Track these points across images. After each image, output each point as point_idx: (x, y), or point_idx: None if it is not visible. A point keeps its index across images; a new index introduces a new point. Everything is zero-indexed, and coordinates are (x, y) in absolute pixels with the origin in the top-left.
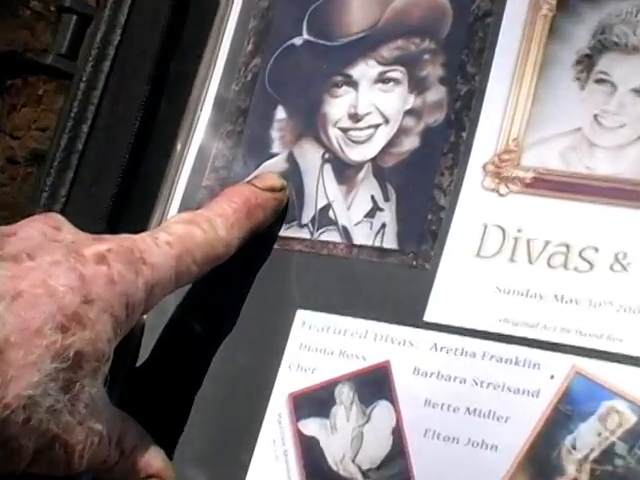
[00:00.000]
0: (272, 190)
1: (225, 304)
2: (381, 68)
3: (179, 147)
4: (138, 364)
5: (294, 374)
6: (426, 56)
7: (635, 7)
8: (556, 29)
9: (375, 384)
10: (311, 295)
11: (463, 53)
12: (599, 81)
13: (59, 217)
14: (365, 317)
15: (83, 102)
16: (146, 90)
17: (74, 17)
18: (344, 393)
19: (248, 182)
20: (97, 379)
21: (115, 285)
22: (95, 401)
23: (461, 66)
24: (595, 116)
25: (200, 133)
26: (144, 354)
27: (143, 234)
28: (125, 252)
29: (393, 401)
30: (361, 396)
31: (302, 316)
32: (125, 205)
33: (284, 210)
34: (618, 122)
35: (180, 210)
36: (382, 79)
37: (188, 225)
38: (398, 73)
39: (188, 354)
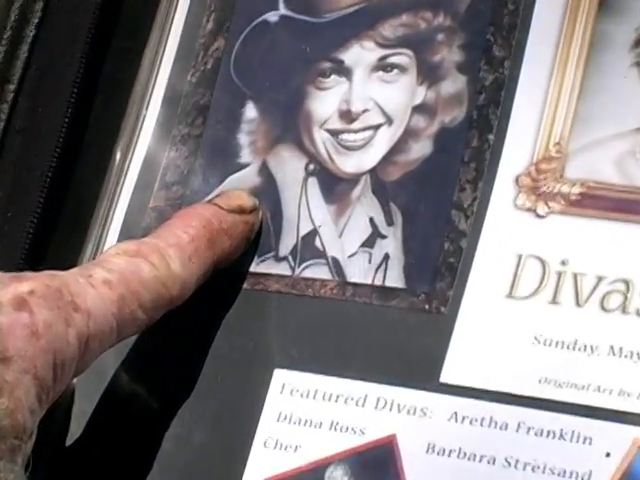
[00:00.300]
0: (241, 212)
1: (181, 362)
2: (381, 51)
3: (118, 156)
4: (67, 442)
5: (271, 453)
6: (440, 36)
7: None
8: (608, 0)
9: (377, 465)
10: (293, 350)
11: (488, 32)
12: None
13: None
14: (363, 378)
15: None
16: (75, 81)
17: None
18: (337, 478)
19: (209, 201)
20: (16, 461)
21: (39, 338)
22: None
23: (486, 49)
24: None
25: (146, 138)
26: (75, 429)
27: (74, 270)
28: (52, 295)
29: None
30: None
31: (281, 377)
32: (49, 234)
33: (257, 238)
34: None
35: (120, 239)
36: (383, 66)
37: (132, 258)
38: (404, 57)
39: (131, 429)
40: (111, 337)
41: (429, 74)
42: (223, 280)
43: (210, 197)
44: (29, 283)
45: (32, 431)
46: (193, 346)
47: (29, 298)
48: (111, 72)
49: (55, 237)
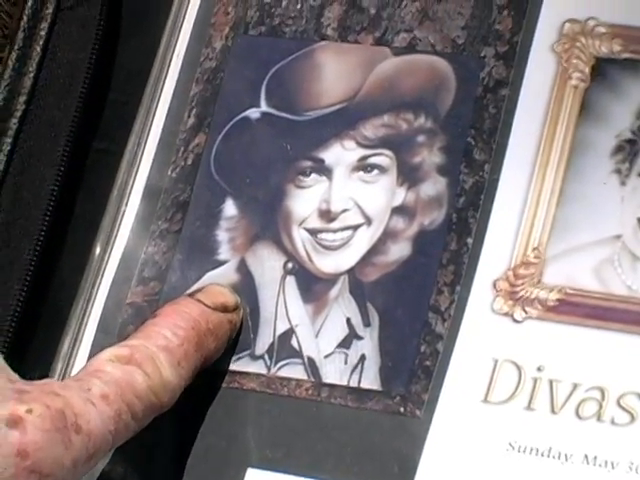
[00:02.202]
0: (224, 310)
1: (153, 462)
2: (362, 152)
3: (98, 251)
4: None
5: None
6: (421, 137)
7: None
8: (589, 105)
9: None
10: (267, 449)
11: (469, 134)
12: None
13: None
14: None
15: None
16: (57, 176)
17: None
18: None
19: (192, 296)
20: None
21: (26, 459)
22: None
23: (466, 151)
24: None
25: (125, 233)
26: None
27: (72, 384)
28: (53, 417)
29: None
30: None
31: (254, 477)
32: (29, 328)
33: (237, 338)
34: None
35: (98, 335)
36: (363, 166)
37: (126, 367)
38: (384, 158)
39: None
40: (106, 452)
41: (409, 175)
42: (199, 378)
43: (190, 291)
44: (31, 403)
45: None
46: (167, 444)
47: (25, 417)
48: (91, 171)
49: (34, 331)
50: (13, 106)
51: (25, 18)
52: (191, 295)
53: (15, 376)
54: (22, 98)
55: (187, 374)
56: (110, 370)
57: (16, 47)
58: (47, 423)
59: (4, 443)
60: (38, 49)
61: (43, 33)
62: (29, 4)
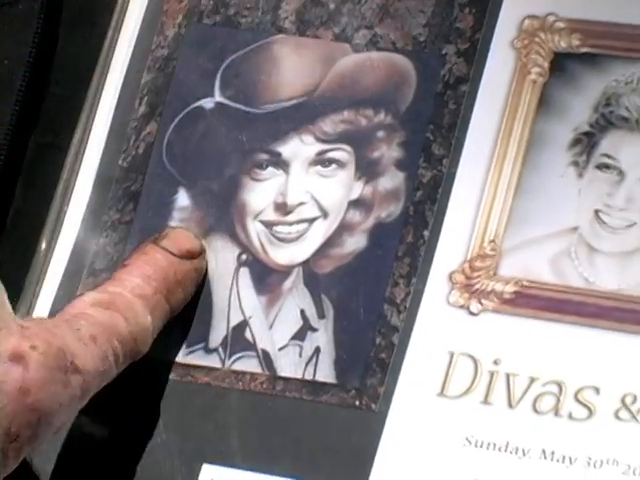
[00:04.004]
0: (191, 257)
1: (105, 456)
2: (320, 146)
3: (44, 245)
4: None
5: None
6: (380, 133)
7: None
8: (548, 99)
9: None
10: (221, 445)
11: (428, 130)
12: (602, 166)
13: None
14: (292, 475)
15: None
16: None
17: None
18: None
19: (156, 243)
20: None
21: (27, 395)
22: None
23: (425, 146)
24: (596, 212)
25: (73, 226)
26: None
27: (61, 322)
28: (53, 354)
29: None
30: None
31: (209, 472)
32: None
33: (186, 328)
34: (626, 220)
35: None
36: (321, 160)
37: (108, 311)
38: (342, 153)
39: None
40: (93, 392)
41: (367, 170)
42: (151, 371)
43: (155, 236)
44: (34, 339)
45: None
46: (121, 439)
47: (29, 353)
48: (34, 165)
49: None
50: None
51: None
52: (156, 242)
53: (12, 310)
54: None
55: (159, 323)
56: (93, 313)
57: None
58: (50, 361)
59: (7, 379)
60: None
61: None
62: None
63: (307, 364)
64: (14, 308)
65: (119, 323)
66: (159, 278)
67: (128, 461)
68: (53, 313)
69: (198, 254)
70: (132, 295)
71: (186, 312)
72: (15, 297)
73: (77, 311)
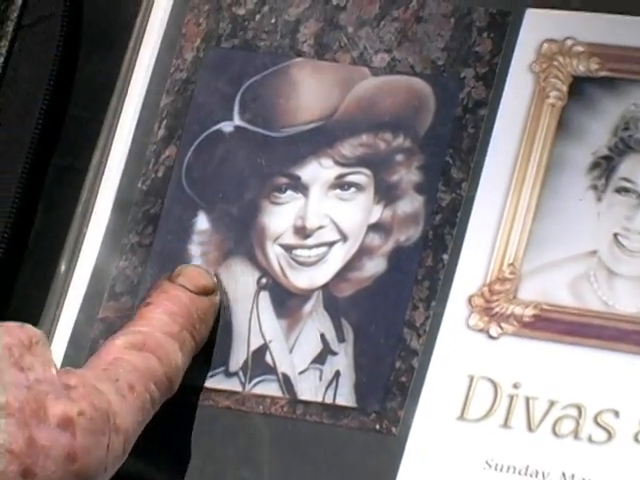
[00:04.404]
0: (206, 293)
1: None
2: (339, 170)
3: (63, 268)
4: None
5: None
6: (399, 157)
7: None
8: (566, 123)
9: None
10: (243, 468)
11: (447, 154)
12: (621, 190)
13: (37, 332)
14: None
15: None
16: (17, 194)
17: None
18: None
19: (172, 281)
20: None
21: (73, 462)
22: None
23: (444, 170)
24: (616, 236)
25: (92, 248)
26: None
27: (99, 373)
28: (98, 419)
29: None
30: None
31: None
32: None
33: (207, 352)
34: None
35: (69, 350)
36: (340, 184)
37: (141, 353)
38: (362, 177)
39: None
40: (132, 444)
41: (386, 193)
42: (173, 396)
43: (169, 275)
44: (81, 402)
45: None
46: (143, 465)
47: (77, 420)
48: (53, 188)
49: None
50: None
51: None
52: (172, 280)
53: (55, 365)
54: None
55: (187, 359)
56: (129, 358)
57: None
58: (94, 426)
59: (56, 445)
60: None
61: (3, 51)
62: None
63: (327, 388)
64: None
65: (153, 365)
66: (184, 315)
67: None
68: (74, 336)
69: (212, 290)
70: (161, 333)
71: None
72: (35, 320)
73: (112, 357)
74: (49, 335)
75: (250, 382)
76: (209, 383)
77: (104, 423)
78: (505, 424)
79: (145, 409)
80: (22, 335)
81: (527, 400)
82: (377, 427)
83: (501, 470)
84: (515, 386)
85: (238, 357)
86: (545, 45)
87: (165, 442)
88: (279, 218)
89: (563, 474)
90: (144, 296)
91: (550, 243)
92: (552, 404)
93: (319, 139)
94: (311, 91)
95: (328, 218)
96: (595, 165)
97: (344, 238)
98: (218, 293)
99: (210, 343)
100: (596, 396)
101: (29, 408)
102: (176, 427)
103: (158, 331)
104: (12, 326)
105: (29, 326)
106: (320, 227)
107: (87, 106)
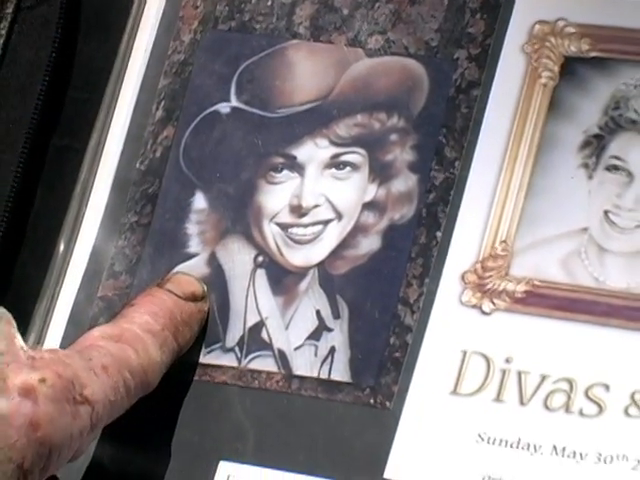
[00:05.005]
0: (194, 299)
1: (128, 455)
2: (335, 149)
3: (62, 248)
4: None
5: None
6: (393, 136)
7: None
8: (558, 102)
9: None
10: (238, 442)
11: (440, 133)
12: (612, 168)
13: (1, 310)
14: (307, 472)
15: None
16: (17, 174)
17: None
18: None
19: (161, 286)
20: None
21: (36, 430)
22: None
23: (438, 149)
24: (606, 213)
25: (92, 227)
26: None
27: (73, 353)
28: (62, 387)
29: None
30: None
31: (226, 469)
32: None
33: (204, 328)
34: (635, 221)
35: (69, 328)
36: (335, 163)
37: (119, 344)
38: (357, 156)
39: None
40: (105, 423)
41: (381, 172)
42: (169, 370)
43: (159, 281)
44: (43, 371)
45: None
46: (140, 439)
47: (38, 387)
48: (52, 168)
49: None
50: None
51: None
52: (160, 285)
53: (23, 342)
54: None
55: (167, 359)
56: (105, 345)
57: None
58: (58, 393)
59: (17, 414)
60: None
61: (3, 32)
62: None
63: (322, 363)
64: (34, 310)
65: (130, 355)
66: (166, 316)
67: (146, 459)
68: (74, 315)
69: (201, 297)
70: (141, 330)
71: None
72: (34, 299)
73: (89, 343)
74: (47, 315)
75: (246, 358)
76: (206, 359)
77: (68, 391)
78: (497, 398)
79: (119, 392)
80: None
81: (519, 374)
82: (371, 402)
83: (493, 443)
84: (507, 361)
85: (235, 333)
86: (537, 26)
87: (162, 416)
88: (275, 197)
89: (554, 447)
90: (132, 297)
91: (542, 220)
92: (544, 378)
93: (315, 119)
94: (307, 72)
95: (323, 197)
96: (586, 144)
97: (339, 216)
98: (206, 301)
99: (207, 320)
100: (587, 370)
101: None
102: (173, 403)
103: (138, 328)
104: None
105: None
106: (316, 206)
107: (85, 87)
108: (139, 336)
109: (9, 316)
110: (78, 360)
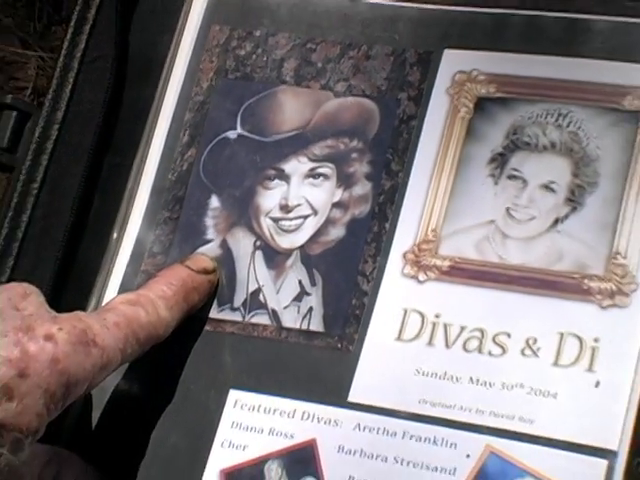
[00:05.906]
0: (205, 272)
1: (159, 385)
2: (312, 164)
3: (115, 236)
4: (75, 439)
5: (226, 451)
6: (354, 154)
7: (544, 110)
8: (472, 130)
9: (302, 461)
10: (243, 375)
11: (388, 152)
12: (511, 177)
13: (32, 287)
14: (293, 397)
15: (23, 194)
16: (81, 182)
17: (14, 113)
18: (273, 470)
19: (181, 263)
20: (20, 450)
21: (58, 363)
22: (12, 472)
23: (386, 164)
24: (507, 209)
25: (136, 221)
26: (79, 430)
27: (93, 314)
28: (77, 334)
29: (319, 478)
30: (289, 473)
31: (234, 396)
32: (63, 291)
33: (216, 293)
34: (528, 215)
35: (121, 292)
36: (312, 174)
37: (133, 307)
38: (327, 169)
39: (123, 433)
40: (116, 365)
41: (345, 181)
42: (191, 324)
43: (182, 259)
44: (62, 323)
45: (37, 429)
46: (168, 372)
47: (57, 333)
48: (107, 179)
49: (67, 295)
50: (49, 133)
51: (58, 69)
52: (181, 262)
53: (49, 308)
54: (56, 126)
55: (177, 315)
56: (121, 308)
57: (52, 89)
58: (73, 338)
59: (42, 352)
60: (67, 91)
61: (71, 79)
62: (61, 59)
63: (303, 318)
64: (94, 281)
65: (140, 314)
66: (179, 284)
67: (174, 390)
68: (123, 284)
69: (212, 271)
70: (154, 296)
71: (218, 282)
72: (95, 273)
73: (109, 307)
74: (104, 284)
75: (248, 314)
76: (218, 316)
77: (82, 336)
78: (430, 343)
79: (128, 342)
80: (19, 289)
81: (445, 326)
82: (339, 346)
83: (427, 375)
84: (437, 316)
85: (240, 296)
86: (458, 75)
87: (184, 357)
88: (269, 199)
89: (471, 378)
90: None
91: (461, 215)
92: (463, 328)
93: (297, 143)
94: (292, 109)
95: (304, 199)
96: (493, 159)
97: (315, 213)
98: (216, 275)
99: (219, 287)
100: (494, 322)
101: (21, 330)
102: (193, 346)
103: (153, 294)
104: (11, 285)
105: (25, 283)
106: (298, 205)
107: (131, 120)
108: (151, 299)
109: (37, 290)
110: (94, 318)
